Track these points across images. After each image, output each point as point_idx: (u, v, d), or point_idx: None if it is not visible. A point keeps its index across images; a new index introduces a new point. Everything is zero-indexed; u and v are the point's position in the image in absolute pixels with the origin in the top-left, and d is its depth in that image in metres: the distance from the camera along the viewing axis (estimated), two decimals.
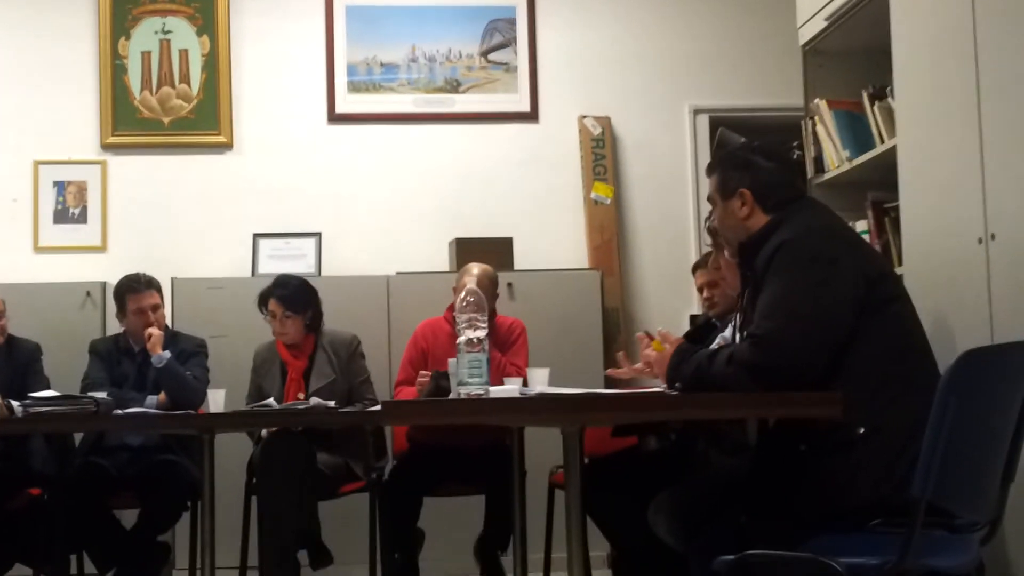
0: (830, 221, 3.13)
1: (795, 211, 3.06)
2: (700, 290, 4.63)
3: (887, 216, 4.12)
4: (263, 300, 5.11)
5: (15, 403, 4.42)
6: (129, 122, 6.42)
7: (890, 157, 3.92)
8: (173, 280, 5.88)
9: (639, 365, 3.19)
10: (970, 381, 2.50)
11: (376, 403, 5.01)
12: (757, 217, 3.10)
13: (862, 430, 2.75)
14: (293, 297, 5.05)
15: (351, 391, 5.05)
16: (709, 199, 3.25)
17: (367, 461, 5.00)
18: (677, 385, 2.93)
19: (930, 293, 3.48)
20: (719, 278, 4.20)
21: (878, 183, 4.15)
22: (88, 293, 5.94)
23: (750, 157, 3.16)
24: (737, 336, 3.34)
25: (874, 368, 2.80)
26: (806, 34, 4.63)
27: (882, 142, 4.11)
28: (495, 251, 5.99)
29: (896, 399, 2.76)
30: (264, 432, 4.92)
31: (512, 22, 6.64)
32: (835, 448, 2.78)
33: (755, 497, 2.95)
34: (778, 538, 2.82)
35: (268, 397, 4.84)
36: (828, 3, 4.37)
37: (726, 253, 3.31)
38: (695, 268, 4.82)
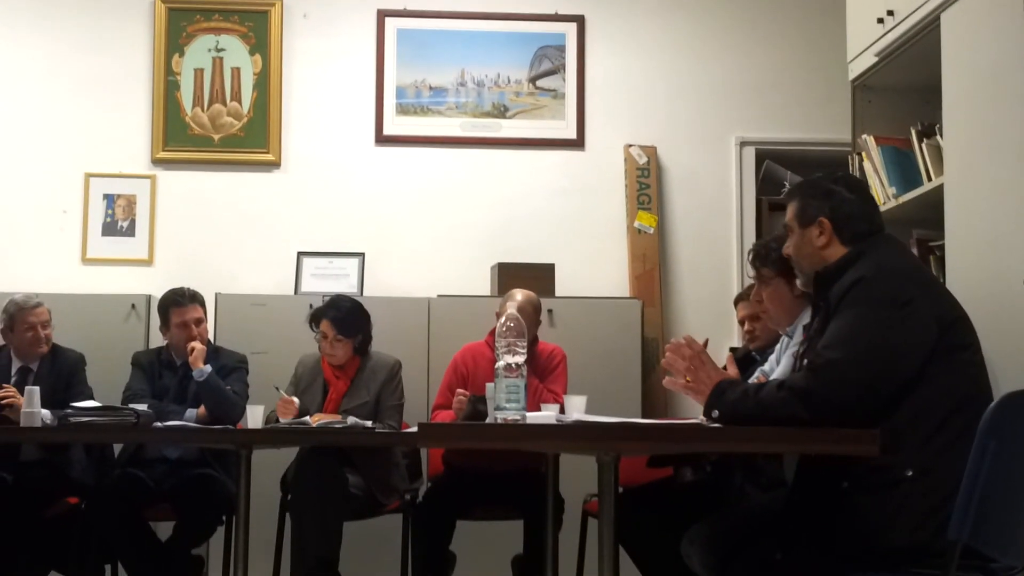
0: (909, 261, 3.09)
1: (874, 246, 3.02)
2: (741, 323, 4.61)
3: (932, 254, 4.09)
4: (316, 318, 5.12)
5: (47, 412, 4.47)
6: (180, 138, 6.50)
7: (937, 195, 3.90)
8: (217, 295, 5.92)
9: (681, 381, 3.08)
10: (1010, 424, 2.48)
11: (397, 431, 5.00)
12: (834, 248, 3.07)
13: (910, 472, 2.72)
14: (346, 320, 5.05)
15: (378, 415, 5.03)
16: (785, 226, 3.20)
17: (387, 486, 4.98)
18: (715, 414, 2.87)
19: None
20: (761, 311, 4.19)
21: (924, 221, 4.12)
22: (133, 305, 5.99)
23: (832, 187, 3.12)
24: (796, 363, 3.30)
25: (934, 412, 2.76)
26: (856, 69, 4.62)
27: (929, 180, 4.08)
28: (537, 277, 6.00)
29: (951, 445, 2.70)
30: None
31: (561, 49, 6.67)
32: (879, 487, 2.74)
33: (791, 531, 2.93)
34: (812, 573, 2.80)
35: (307, 411, 4.87)
36: (879, 39, 4.35)
37: (798, 282, 3.27)
38: (737, 301, 4.80)
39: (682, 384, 2.95)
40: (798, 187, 3.23)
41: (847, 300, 2.85)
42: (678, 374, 2.96)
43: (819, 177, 3.21)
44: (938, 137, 4.02)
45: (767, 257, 3.88)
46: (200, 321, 5.18)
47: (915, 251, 4.16)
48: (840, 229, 3.07)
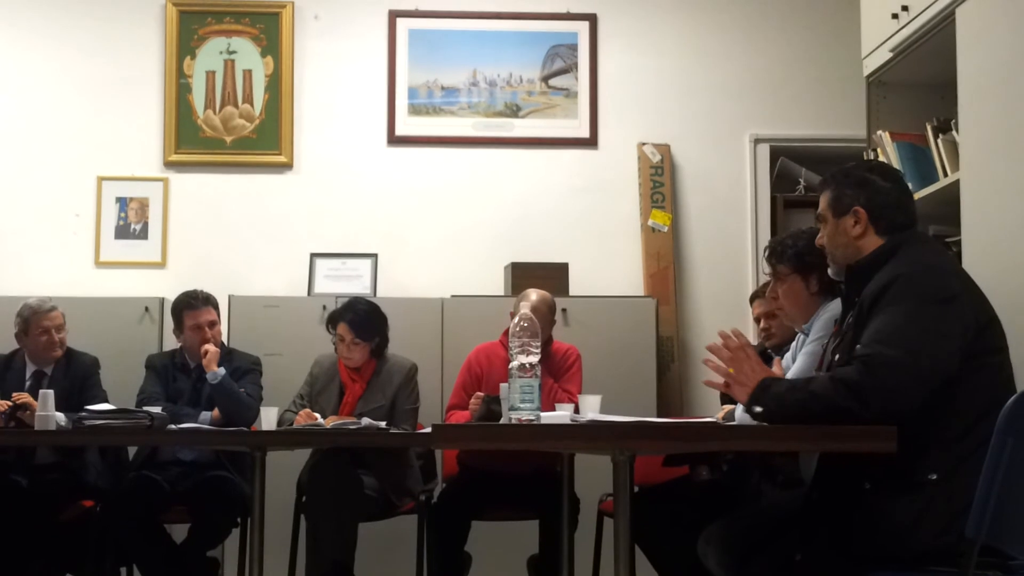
0: (947, 259, 3.05)
1: (909, 241, 3.00)
2: (757, 320, 4.59)
3: (948, 251, 4.06)
4: (333, 321, 5.11)
5: (61, 415, 4.48)
6: (192, 140, 6.50)
7: (953, 191, 3.87)
8: (230, 298, 5.92)
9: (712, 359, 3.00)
10: None
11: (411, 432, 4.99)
12: (869, 238, 3.04)
13: (934, 476, 2.69)
14: (364, 323, 5.03)
15: (393, 418, 5.00)
16: (818, 216, 3.16)
17: (402, 487, 4.96)
18: (757, 409, 2.83)
19: None
20: (776, 308, 4.17)
21: (940, 217, 4.10)
22: (146, 308, 5.99)
23: (868, 176, 3.08)
24: (827, 357, 3.26)
25: (961, 416, 2.73)
26: (870, 65, 4.59)
27: (945, 176, 4.06)
28: (551, 276, 5.98)
29: (977, 450, 2.66)
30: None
31: (573, 48, 6.66)
32: (902, 490, 2.71)
33: (810, 532, 2.90)
34: (830, 573, 2.78)
35: (322, 412, 4.86)
36: (893, 34, 4.33)
37: (829, 271, 3.23)
38: (752, 298, 4.78)
39: (724, 374, 2.91)
40: (832, 176, 3.17)
41: (889, 296, 2.81)
42: (721, 363, 2.92)
43: (853, 166, 3.16)
44: (954, 133, 4.00)
45: (783, 254, 3.86)
46: (214, 324, 5.18)
47: None
48: (876, 219, 3.03)
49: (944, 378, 2.72)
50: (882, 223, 3.03)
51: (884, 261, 2.95)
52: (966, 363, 2.75)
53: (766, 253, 3.97)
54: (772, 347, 4.38)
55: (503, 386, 4.09)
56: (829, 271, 3.23)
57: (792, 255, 3.83)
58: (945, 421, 2.72)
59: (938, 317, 2.75)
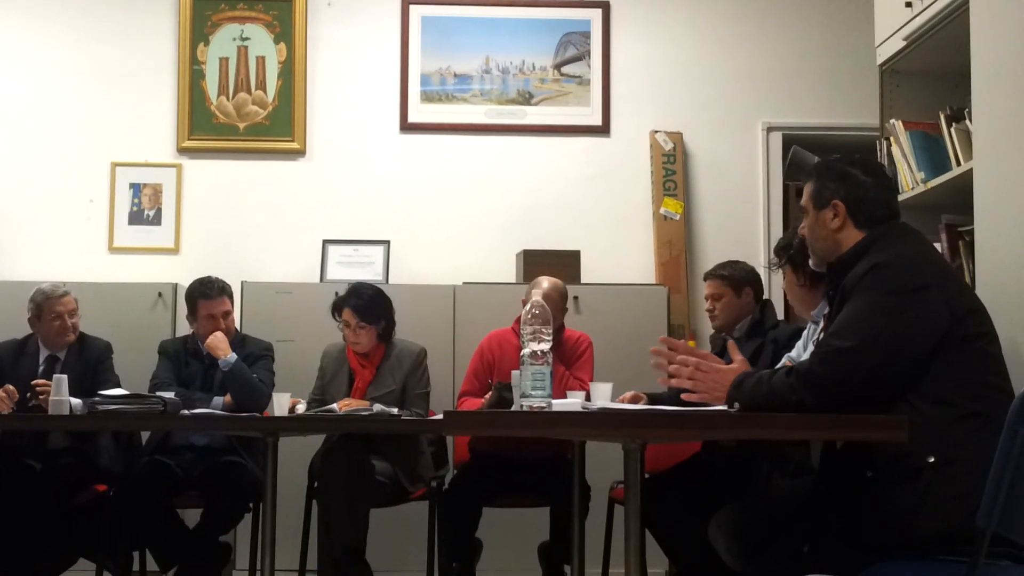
0: (923, 250, 3.05)
1: (887, 233, 3.00)
2: (706, 299, 4.70)
3: (961, 240, 4.06)
4: (337, 308, 5.12)
5: (75, 400, 4.50)
6: (205, 127, 6.51)
7: (966, 180, 3.86)
8: (243, 284, 5.94)
9: (674, 380, 3.07)
10: None
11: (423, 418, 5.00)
12: (848, 232, 3.05)
13: (932, 459, 2.70)
14: (368, 307, 5.06)
15: (404, 403, 5.01)
16: (801, 208, 3.18)
17: (413, 473, 4.98)
18: (736, 406, 2.87)
19: (1003, 318, 3.40)
20: (721, 293, 4.29)
21: (953, 206, 4.08)
22: (160, 294, 6.02)
23: (849, 169, 3.10)
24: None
25: (952, 401, 2.74)
26: (884, 53, 4.58)
27: (958, 164, 4.04)
28: (562, 264, 5.99)
29: (973, 434, 2.69)
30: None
31: (586, 35, 6.65)
32: (902, 476, 2.72)
33: (818, 522, 2.91)
34: (839, 564, 2.78)
35: (333, 401, 4.87)
36: (907, 23, 4.32)
37: (811, 263, 3.25)
38: (705, 278, 4.86)
39: (689, 389, 2.96)
40: (816, 168, 3.21)
41: (859, 286, 2.85)
42: (683, 382, 2.97)
43: (836, 159, 3.18)
44: (967, 121, 3.98)
45: (779, 249, 3.92)
46: (228, 314, 5.19)
47: (944, 236, 4.12)
48: (854, 212, 3.05)
49: (907, 368, 2.74)
50: (861, 217, 3.04)
51: (862, 255, 2.96)
52: (945, 349, 2.77)
53: (777, 245, 4.02)
54: (718, 328, 4.51)
55: (515, 373, 4.09)
56: (810, 262, 3.25)
57: (782, 247, 3.89)
58: (937, 405, 2.74)
59: (902, 306, 2.77)
